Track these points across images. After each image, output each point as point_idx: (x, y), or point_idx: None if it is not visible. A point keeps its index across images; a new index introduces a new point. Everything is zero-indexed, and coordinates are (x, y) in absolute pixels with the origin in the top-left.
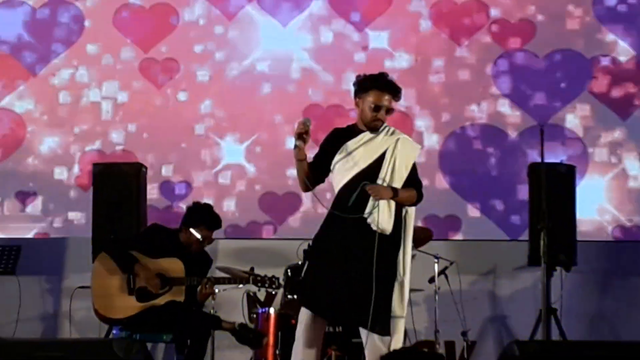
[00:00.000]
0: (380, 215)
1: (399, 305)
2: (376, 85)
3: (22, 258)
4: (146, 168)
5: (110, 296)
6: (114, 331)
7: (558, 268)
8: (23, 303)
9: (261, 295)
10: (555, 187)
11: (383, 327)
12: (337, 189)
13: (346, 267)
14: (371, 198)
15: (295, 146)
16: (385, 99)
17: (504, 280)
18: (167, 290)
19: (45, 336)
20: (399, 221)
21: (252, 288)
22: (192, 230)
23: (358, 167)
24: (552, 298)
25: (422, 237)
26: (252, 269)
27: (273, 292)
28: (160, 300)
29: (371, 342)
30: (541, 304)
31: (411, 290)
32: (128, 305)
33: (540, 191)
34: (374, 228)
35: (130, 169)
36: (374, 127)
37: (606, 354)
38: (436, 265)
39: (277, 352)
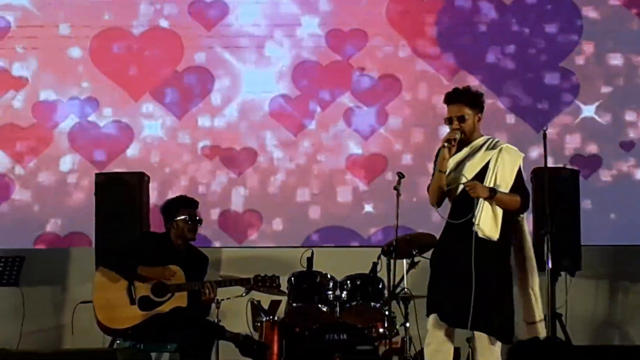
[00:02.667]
0: (483, 218)
1: (528, 311)
2: (446, 101)
3: (26, 269)
4: (148, 177)
5: (112, 307)
6: (118, 342)
7: (563, 273)
8: (27, 314)
9: (265, 303)
10: (559, 192)
11: (489, 329)
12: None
13: (453, 271)
14: (476, 204)
15: (439, 155)
16: (453, 110)
17: None
18: (170, 297)
19: (50, 347)
20: (508, 229)
21: (256, 296)
22: (176, 220)
23: (464, 180)
24: (557, 303)
25: (426, 243)
26: (255, 276)
27: (275, 292)
28: (164, 308)
29: (480, 345)
30: (546, 309)
31: (415, 296)
32: (131, 315)
33: (544, 196)
34: (477, 231)
35: (132, 179)
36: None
37: (611, 359)
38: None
39: None
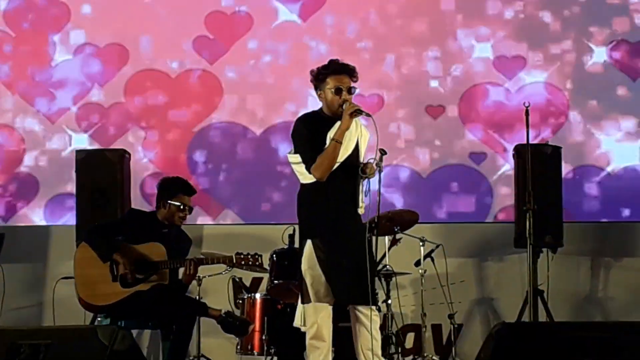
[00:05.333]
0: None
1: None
2: (330, 71)
3: (5, 246)
4: (129, 154)
5: (94, 284)
6: (99, 318)
7: (544, 249)
8: (7, 291)
9: (247, 280)
10: (541, 169)
11: (372, 299)
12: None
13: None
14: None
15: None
16: (344, 80)
17: (491, 263)
18: (151, 275)
19: (30, 324)
20: None
21: (238, 273)
22: (170, 202)
23: (343, 156)
24: (538, 280)
25: (408, 219)
26: (237, 253)
27: (256, 269)
28: (145, 285)
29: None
30: (528, 286)
31: (398, 273)
32: (113, 292)
33: (526, 173)
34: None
35: (114, 156)
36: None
37: (593, 335)
38: (422, 248)
39: (264, 337)
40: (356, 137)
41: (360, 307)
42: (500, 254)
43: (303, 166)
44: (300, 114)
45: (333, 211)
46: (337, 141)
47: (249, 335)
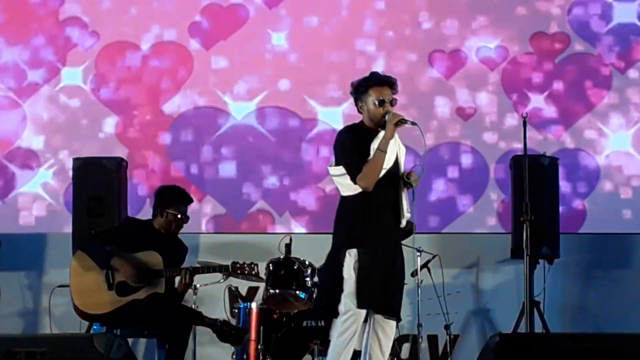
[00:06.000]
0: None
1: None
2: (372, 82)
3: (1, 253)
4: (127, 162)
5: (89, 292)
6: (95, 327)
7: (541, 261)
8: (3, 299)
9: (243, 290)
10: (538, 179)
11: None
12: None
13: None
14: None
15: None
16: (386, 92)
17: (487, 273)
18: (147, 284)
19: (26, 332)
20: None
21: (234, 282)
22: (167, 210)
23: (385, 168)
24: (535, 291)
25: (404, 230)
26: (233, 262)
27: (253, 279)
28: (141, 294)
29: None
30: (524, 297)
31: None
32: (108, 301)
33: (523, 183)
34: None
35: (111, 164)
36: (385, 122)
37: (589, 346)
38: (418, 258)
39: (260, 347)
40: (396, 150)
41: (381, 318)
42: (496, 264)
43: (346, 178)
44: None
45: (375, 222)
46: (382, 150)
47: (245, 345)
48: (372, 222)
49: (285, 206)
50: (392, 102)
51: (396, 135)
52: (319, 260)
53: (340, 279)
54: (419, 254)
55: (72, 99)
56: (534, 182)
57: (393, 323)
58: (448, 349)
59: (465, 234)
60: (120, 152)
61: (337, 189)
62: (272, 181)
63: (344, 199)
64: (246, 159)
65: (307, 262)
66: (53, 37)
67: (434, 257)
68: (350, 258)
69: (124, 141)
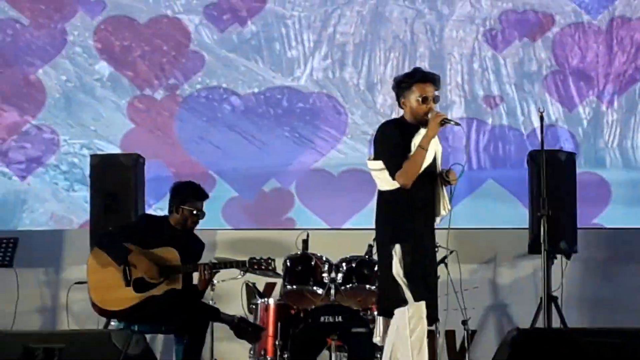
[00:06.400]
0: (441, 204)
1: None
2: (416, 79)
3: (20, 250)
4: (144, 159)
5: (107, 289)
6: (112, 323)
7: (559, 256)
8: (21, 295)
9: (260, 286)
10: (555, 175)
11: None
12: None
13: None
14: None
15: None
16: (429, 89)
17: (505, 269)
18: (165, 280)
19: (44, 329)
20: None
21: (251, 279)
22: (182, 207)
23: (425, 164)
24: (552, 286)
25: None
26: (250, 258)
27: (270, 274)
28: (159, 290)
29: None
30: (542, 292)
31: None
32: (126, 297)
33: (540, 179)
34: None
35: (128, 160)
36: (427, 120)
37: (607, 341)
38: (436, 254)
39: (277, 342)
40: (434, 148)
41: None
42: (514, 260)
43: (384, 172)
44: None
45: (415, 218)
46: (423, 148)
47: (262, 340)
48: (411, 218)
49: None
50: (435, 99)
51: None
52: (335, 256)
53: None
54: (436, 249)
55: None
56: (552, 178)
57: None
58: (466, 344)
59: (483, 229)
60: None
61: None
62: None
63: (382, 194)
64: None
65: (324, 258)
66: None
67: (451, 252)
68: (396, 254)
69: None
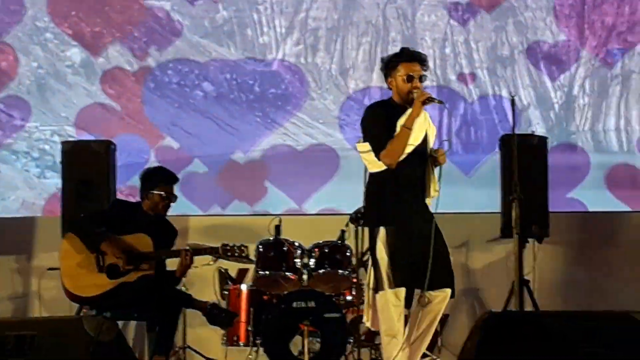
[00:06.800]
0: (431, 187)
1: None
2: (402, 58)
3: None
4: (115, 145)
5: (79, 275)
6: (84, 309)
7: (530, 240)
8: None
9: (233, 272)
10: (527, 159)
11: (447, 283)
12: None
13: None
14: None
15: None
16: (416, 68)
17: (477, 253)
18: (137, 266)
19: (16, 316)
20: None
21: (224, 265)
22: (153, 192)
23: (413, 145)
24: (524, 270)
25: None
26: (223, 244)
27: (243, 260)
28: (131, 277)
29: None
30: (514, 276)
31: None
32: (99, 283)
33: (512, 162)
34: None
35: (100, 147)
36: (413, 99)
37: (578, 324)
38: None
39: (250, 328)
40: (425, 129)
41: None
42: (486, 244)
43: (372, 155)
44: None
45: (403, 199)
46: (407, 127)
47: (235, 326)
48: (399, 200)
49: None
50: (421, 79)
51: (426, 114)
52: (308, 242)
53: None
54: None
55: None
56: (523, 162)
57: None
58: (438, 328)
59: (455, 213)
60: None
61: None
62: None
63: (371, 176)
64: None
65: (296, 244)
66: None
67: None
68: (383, 235)
69: None
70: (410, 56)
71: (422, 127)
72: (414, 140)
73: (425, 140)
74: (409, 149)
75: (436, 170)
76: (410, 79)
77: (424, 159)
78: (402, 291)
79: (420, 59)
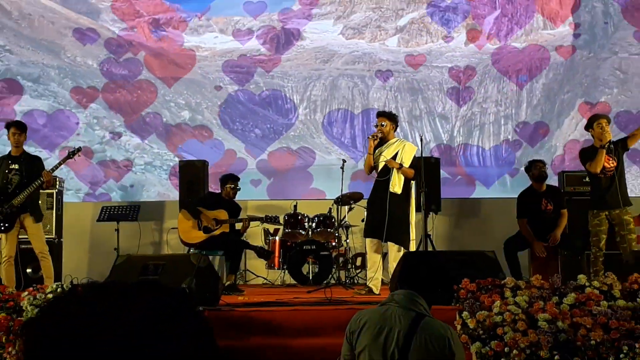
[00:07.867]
0: (393, 181)
1: (408, 234)
2: (377, 115)
3: (141, 212)
4: (207, 162)
5: (188, 231)
6: (191, 250)
7: (431, 213)
8: (142, 237)
9: (271, 229)
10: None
11: (397, 241)
12: (377, 170)
13: (378, 209)
14: (391, 172)
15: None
16: (379, 120)
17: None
18: (219, 227)
19: (154, 254)
20: (407, 187)
21: (266, 226)
22: (226, 186)
23: (384, 159)
24: (428, 229)
25: (357, 197)
26: (266, 215)
27: (277, 223)
28: (216, 232)
29: (391, 250)
30: (423, 232)
31: (351, 225)
32: (199, 236)
33: (421, 171)
34: (390, 188)
35: (199, 163)
36: (382, 138)
37: (457, 258)
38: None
39: (280, 260)
40: (397, 149)
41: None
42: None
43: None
44: None
45: (376, 189)
46: (370, 153)
47: (272, 259)
48: (375, 191)
49: None
50: (384, 126)
51: (403, 142)
52: (312, 213)
53: None
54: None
55: None
56: (426, 174)
57: (394, 246)
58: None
59: None
60: None
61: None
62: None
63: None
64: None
65: (305, 215)
66: None
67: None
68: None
69: None
70: (378, 114)
71: (393, 151)
72: (383, 158)
73: (394, 157)
74: (381, 165)
75: (393, 172)
76: (376, 125)
77: (388, 169)
78: (368, 240)
79: (382, 115)
